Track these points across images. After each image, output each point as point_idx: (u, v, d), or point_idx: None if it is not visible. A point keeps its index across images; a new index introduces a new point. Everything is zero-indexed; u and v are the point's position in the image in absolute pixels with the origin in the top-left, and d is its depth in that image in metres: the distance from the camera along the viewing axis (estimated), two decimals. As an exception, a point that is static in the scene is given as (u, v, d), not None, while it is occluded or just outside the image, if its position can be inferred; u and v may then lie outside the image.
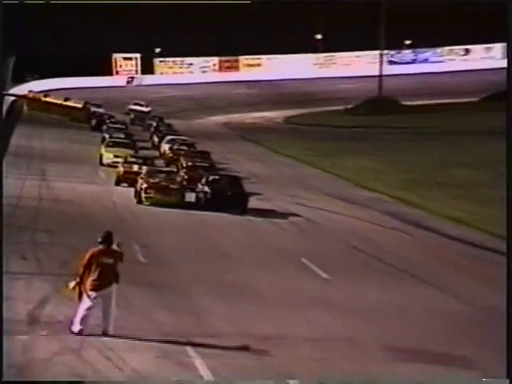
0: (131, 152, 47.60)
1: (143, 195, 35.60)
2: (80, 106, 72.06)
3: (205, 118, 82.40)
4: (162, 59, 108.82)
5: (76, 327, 15.91)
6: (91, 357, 14.67)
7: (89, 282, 16.00)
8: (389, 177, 48.22)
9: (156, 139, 58.78)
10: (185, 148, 51.64)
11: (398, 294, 23.33)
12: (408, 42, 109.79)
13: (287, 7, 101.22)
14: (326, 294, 22.43)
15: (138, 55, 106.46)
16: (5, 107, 66.17)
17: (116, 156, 46.53)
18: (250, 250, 28.79)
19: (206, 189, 36.39)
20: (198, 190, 37.04)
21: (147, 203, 35.28)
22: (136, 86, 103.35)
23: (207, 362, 14.93)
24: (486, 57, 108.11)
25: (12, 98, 72.61)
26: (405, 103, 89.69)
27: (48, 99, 73.35)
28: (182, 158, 46.46)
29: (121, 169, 41.48)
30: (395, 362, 16.52)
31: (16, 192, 35.35)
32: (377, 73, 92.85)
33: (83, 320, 15.91)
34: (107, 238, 16.32)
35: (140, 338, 16.02)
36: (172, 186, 36.52)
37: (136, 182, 37.31)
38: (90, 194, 37.77)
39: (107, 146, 49.90)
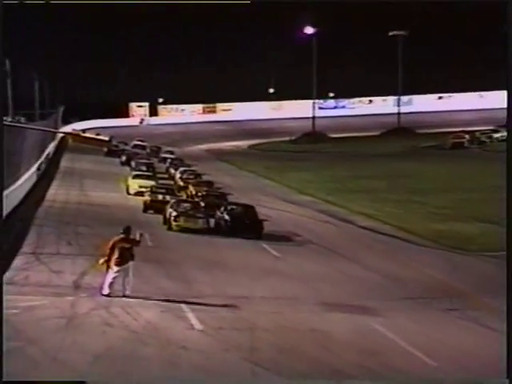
0: (153, 183, 38.83)
1: (173, 223, 28.09)
2: (107, 139, 71.29)
3: (192, 146, 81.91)
4: (163, 106, 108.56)
5: (105, 291, 15.82)
6: (116, 311, 14.57)
7: (113, 260, 15.92)
8: (320, 186, 48.13)
9: (173, 171, 50.31)
10: (192, 177, 44.28)
11: (327, 266, 23.34)
12: (332, 94, 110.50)
13: (249, 75, 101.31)
14: (277, 267, 22.38)
15: (147, 103, 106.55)
16: (56, 142, 65.89)
17: (140, 186, 38.77)
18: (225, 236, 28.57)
19: (226, 217, 29.01)
20: (217, 217, 29.64)
21: (176, 229, 27.85)
22: (145, 125, 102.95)
23: (196, 314, 14.86)
24: (383, 105, 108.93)
25: (61, 135, 72.12)
26: (330, 135, 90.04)
27: (85, 134, 72.58)
28: (190, 186, 40.77)
29: (147, 198, 34.00)
30: (327, 312, 16.51)
31: (64, 198, 35.03)
32: (311, 115, 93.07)
33: (110, 286, 15.84)
34: (127, 230, 16.36)
35: (149, 298, 15.92)
36: (198, 214, 29.03)
37: (161, 209, 30.37)
38: (114, 199, 37.40)
39: (133, 177, 41.03)
